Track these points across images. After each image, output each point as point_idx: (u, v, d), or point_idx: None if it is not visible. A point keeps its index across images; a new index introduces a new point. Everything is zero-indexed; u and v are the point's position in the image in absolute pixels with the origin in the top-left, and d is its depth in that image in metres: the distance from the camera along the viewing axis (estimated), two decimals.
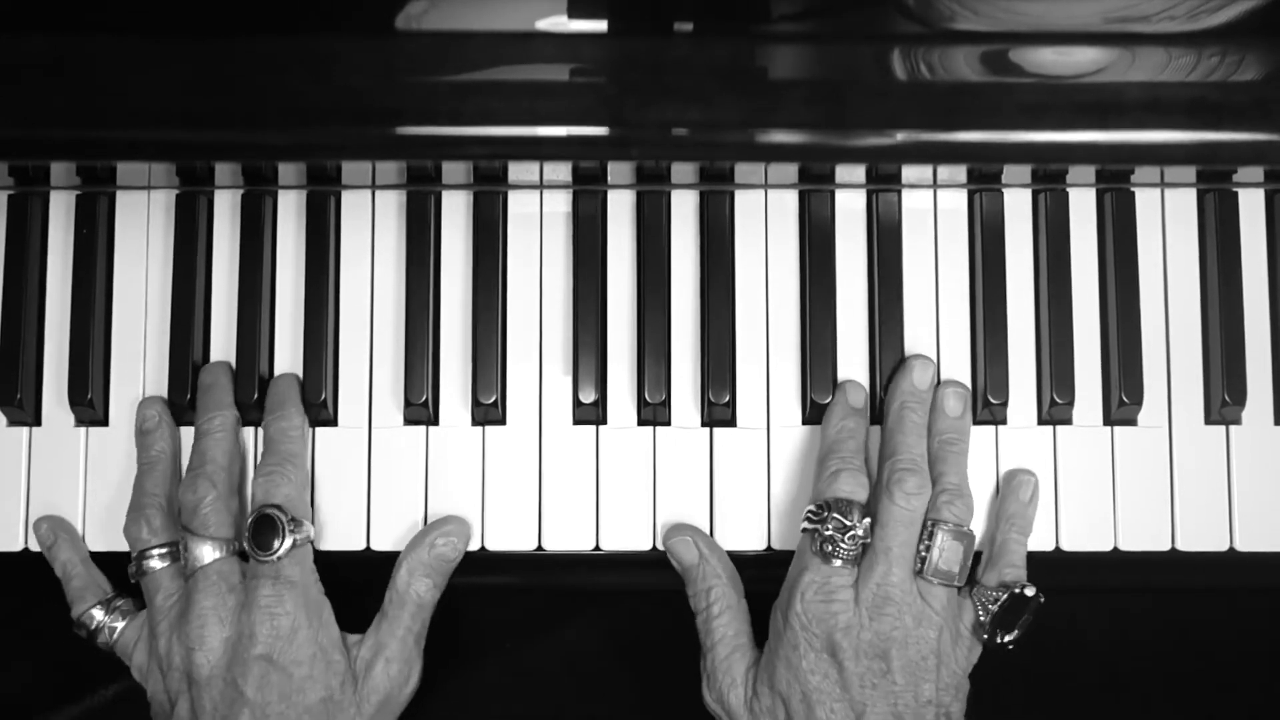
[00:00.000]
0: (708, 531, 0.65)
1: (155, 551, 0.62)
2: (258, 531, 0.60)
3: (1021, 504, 0.64)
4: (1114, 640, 0.69)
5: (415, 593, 0.62)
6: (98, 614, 0.63)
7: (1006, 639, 0.61)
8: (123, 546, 0.63)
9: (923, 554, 0.60)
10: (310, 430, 0.65)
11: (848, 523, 0.59)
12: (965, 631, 0.61)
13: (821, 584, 0.59)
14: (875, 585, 0.59)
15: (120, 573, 0.63)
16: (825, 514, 0.60)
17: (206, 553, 0.60)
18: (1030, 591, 0.61)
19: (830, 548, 0.59)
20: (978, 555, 0.64)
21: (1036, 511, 0.64)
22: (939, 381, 0.65)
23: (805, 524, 0.61)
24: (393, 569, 0.63)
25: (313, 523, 0.64)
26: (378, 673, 0.61)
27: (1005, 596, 0.60)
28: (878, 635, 0.58)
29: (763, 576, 0.64)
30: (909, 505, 0.60)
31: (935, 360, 0.65)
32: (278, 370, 0.66)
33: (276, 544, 0.60)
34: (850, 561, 0.59)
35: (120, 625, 0.63)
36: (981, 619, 0.61)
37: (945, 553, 0.60)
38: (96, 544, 0.65)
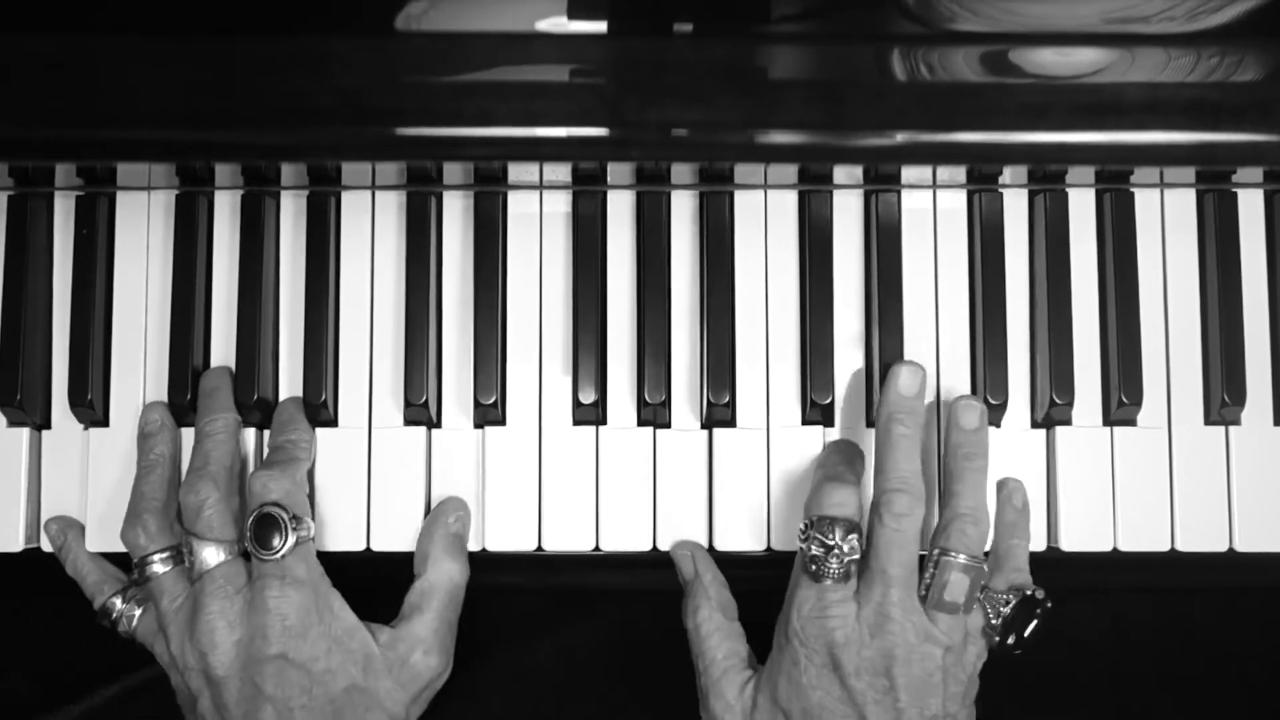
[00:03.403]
0: (707, 532, 0.65)
1: (156, 556, 0.62)
2: (259, 530, 0.60)
3: (1016, 510, 0.64)
4: (1114, 640, 0.69)
5: (449, 577, 0.63)
6: (117, 603, 0.63)
7: (1013, 643, 0.60)
8: (121, 547, 0.63)
9: (927, 582, 0.59)
10: (313, 433, 0.65)
11: (829, 543, 0.58)
12: (974, 632, 0.60)
13: (816, 600, 0.58)
14: (875, 604, 0.58)
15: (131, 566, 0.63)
16: (810, 531, 0.59)
17: (211, 555, 0.60)
18: (1039, 594, 0.60)
19: (816, 567, 0.58)
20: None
21: (1030, 516, 0.64)
22: (950, 392, 0.65)
23: (798, 538, 0.60)
24: (415, 562, 0.63)
25: (312, 520, 0.64)
26: (416, 661, 0.61)
27: (1015, 601, 0.60)
28: (879, 653, 0.58)
29: (762, 577, 0.64)
30: (900, 526, 0.59)
31: (934, 361, 0.65)
32: (279, 370, 0.66)
33: (279, 542, 0.60)
34: (840, 579, 0.58)
35: (137, 614, 0.63)
36: (993, 622, 0.60)
37: (951, 586, 0.59)
38: (97, 545, 0.65)
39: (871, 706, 0.57)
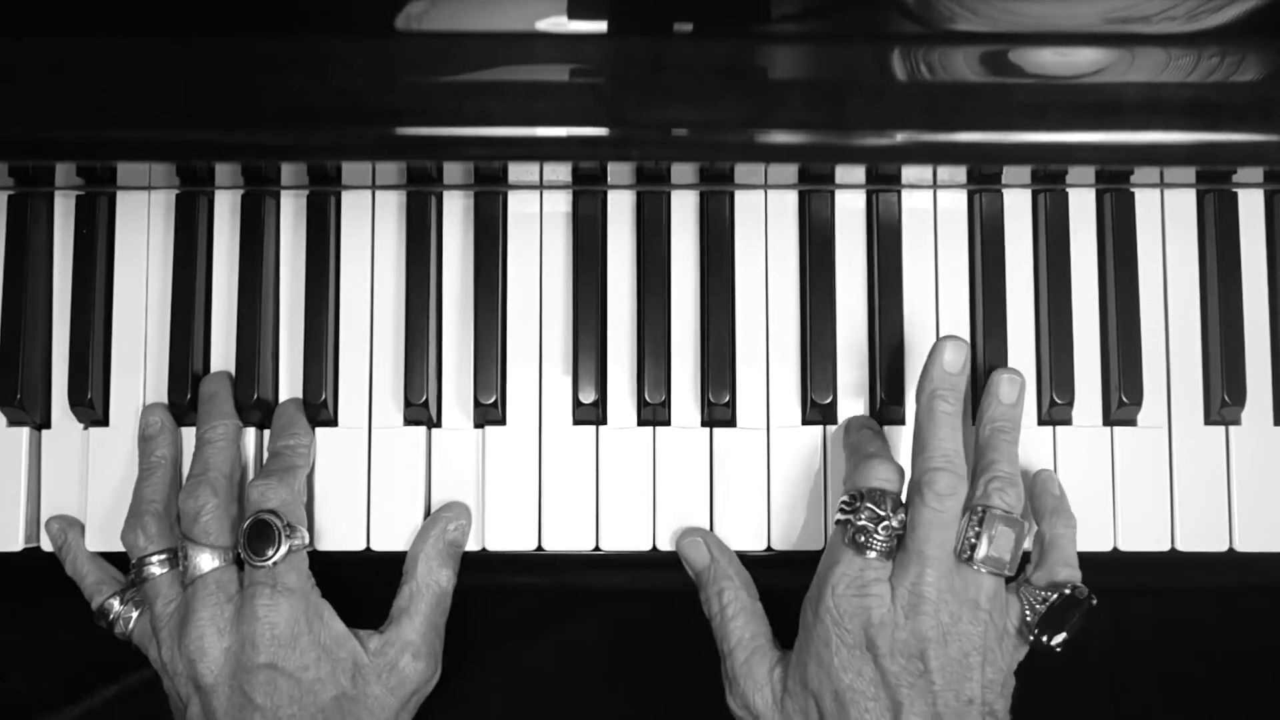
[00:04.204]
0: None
1: (154, 558, 0.62)
2: (253, 536, 0.60)
3: (1054, 496, 0.63)
4: (1114, 640, 0.69)
5: (437, 583, 0.63)
6: (115, 604, 0.63)
7: (1055, 641, 0.59)
8: (121, 548, 0.63)
9: (972, 541, 0.58)
10: (312, 435, 0.65)
11: (881, 513, 0.58)
12: (1011, 629, 0.59)
13: (855, 577, 0.58)
14: (910, 585, 0.57)
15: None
16: (858, 504, 0.58)
17: (205, 561, 0.60)
18: (1082, 592, 0.59)
19: (864, 539, 0.58)
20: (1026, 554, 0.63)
21: (1068, 504, 0.63)
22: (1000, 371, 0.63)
23: (838, 515, 0.60)
24: (405, 564, 0.63)
25: (309, 530, 0.64)
26: (404, 666, 0.61)
27: (1055, 596, 0.59)
28: (914, 634, 0.56)
29: (762, 577, 0.64)
30: (941, 506, 0.57)
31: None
32: (279, 370, 0.66)
33: (272, 550, 0.59)
34: (884, 554, 0.58)
35: (134, 615, 0.63)
36: (1028, 618, 0.59)
37: (996, 540, 0.58)
38: (96, 544, 0.65)
39: (905, 690, 0.56)
